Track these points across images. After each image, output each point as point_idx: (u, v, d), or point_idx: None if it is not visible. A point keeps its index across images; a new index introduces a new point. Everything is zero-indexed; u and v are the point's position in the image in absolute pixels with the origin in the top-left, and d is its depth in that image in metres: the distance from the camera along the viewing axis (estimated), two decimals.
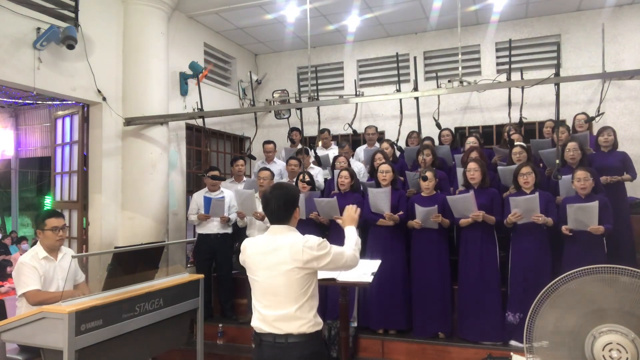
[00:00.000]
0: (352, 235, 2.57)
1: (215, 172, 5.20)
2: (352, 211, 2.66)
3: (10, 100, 10.14)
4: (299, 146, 6.04)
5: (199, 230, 5.22)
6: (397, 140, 6.14)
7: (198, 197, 5.23)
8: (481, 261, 4.15)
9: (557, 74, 4.32)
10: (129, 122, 5.17)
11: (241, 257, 2.50)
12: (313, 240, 2.31)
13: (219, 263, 5.22)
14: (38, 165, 12.78)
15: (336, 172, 5.05)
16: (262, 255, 2.37)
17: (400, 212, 4.37)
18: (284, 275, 2.29)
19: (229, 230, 5.25)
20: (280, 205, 2.37)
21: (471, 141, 5.29)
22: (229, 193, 5.25)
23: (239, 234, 5.28)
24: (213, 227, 5.14)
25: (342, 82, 7.61)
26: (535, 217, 3.89)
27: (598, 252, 3.81)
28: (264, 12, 6.23)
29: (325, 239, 2.35)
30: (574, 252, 3.85)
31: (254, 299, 2.44)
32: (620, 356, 1.69)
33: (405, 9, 6.25)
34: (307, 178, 4.72)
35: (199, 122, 5.33)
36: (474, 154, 4.68)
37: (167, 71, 5.57)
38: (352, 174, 4.75)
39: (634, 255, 4.59)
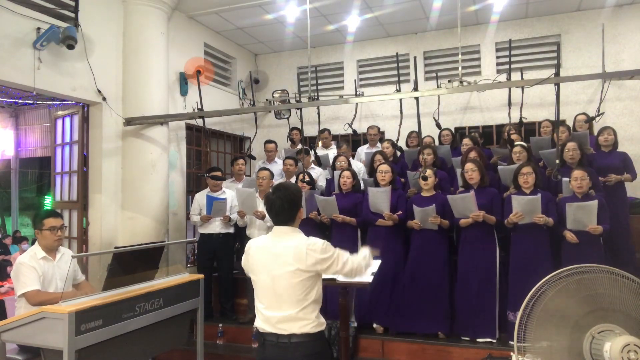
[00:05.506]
0: (364, 250, 2.64)
1: (217, 172, 5.20)
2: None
3: (10, 100, 10.13)
4: (299, 146, 6.03)
5: (201, 230, 5.22)
6: (397, 140, 6.14)
7: (200, 197, 5.23)
8: (481, 261, 4.15)
9: (557, 74, 4.32)
10: (129, 122, 5.17)
11: (244, 259, 2.49)
12: (317, 243, 2.31)
13: (219, 263, 5.21)
14: (38, 165, 12.75)
15: (337, 172, 5.05)
16: (265, 256, 2.37)
17: (400, 212, 4.37)
18: (287, 277, 2.29)
19: (231, 230, 5.24)
20: (284, 207, 2.36)
21: (465, 142, 5.31)
22: (230, 193, 5.24)
23: (240, 234, 5.27)
24: (215, 226, 5.13)
25: (342, 82, 7.61)
26: (536, 218, 3.88)
27: (596, 252, 3.80)
28: (264, 12, 6.24)
29: (327, 241, 2.35)
30: (572, 252, 3.84)
31: (256, 300, 2.43)
32: (637, 357, 1.68)
33: (405, 9, 6.25)
34: (306, 178, 4.73)
35: (199, 122, 5.34)
36: (472, 154, 4.68)
37: (167, 71, 5.57)
38: (354, 174, 4.75)
39: (633, 254, 4.59)
